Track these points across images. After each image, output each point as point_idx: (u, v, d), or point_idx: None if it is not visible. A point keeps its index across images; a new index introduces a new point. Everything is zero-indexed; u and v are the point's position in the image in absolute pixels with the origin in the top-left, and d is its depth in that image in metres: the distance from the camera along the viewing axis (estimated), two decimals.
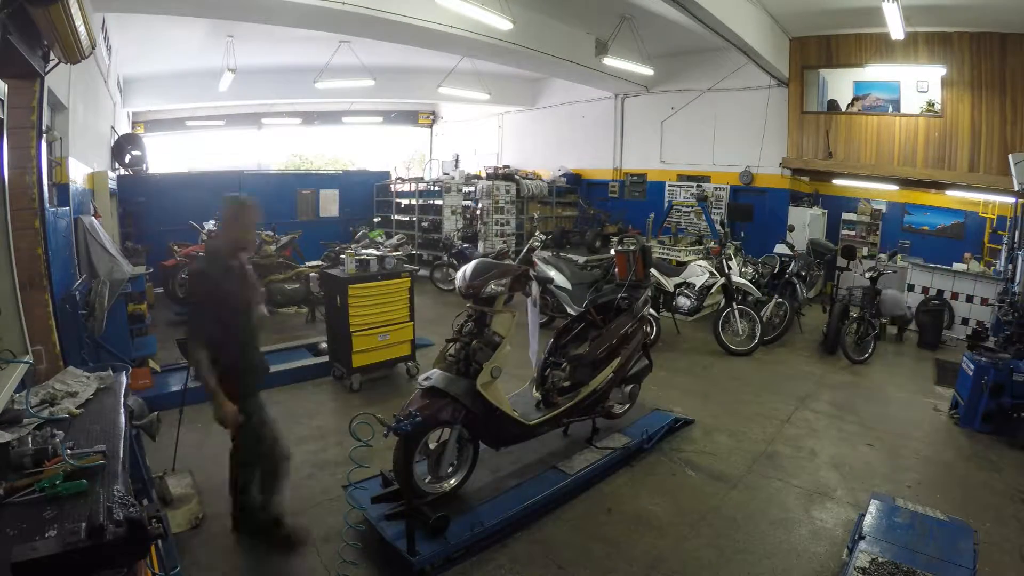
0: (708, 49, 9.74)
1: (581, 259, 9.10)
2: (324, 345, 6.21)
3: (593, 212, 12.43)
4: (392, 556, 3.00)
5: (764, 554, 3.25)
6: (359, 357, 5.46)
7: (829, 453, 4.54)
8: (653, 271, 6.44)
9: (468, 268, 3.64)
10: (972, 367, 5.01)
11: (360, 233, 10.53)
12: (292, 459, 4.13)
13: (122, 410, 2.55)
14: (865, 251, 9.63)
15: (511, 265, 3.70)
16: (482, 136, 15.52)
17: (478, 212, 11.68)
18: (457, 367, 3.43)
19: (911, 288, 8.35)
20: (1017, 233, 7.13)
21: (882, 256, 9.40)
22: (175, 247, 8.30)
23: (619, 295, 4.70)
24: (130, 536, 1.56)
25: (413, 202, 12.29)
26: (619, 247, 5.34)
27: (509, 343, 3.50)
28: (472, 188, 11.95)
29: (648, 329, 4.70)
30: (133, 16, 7.33)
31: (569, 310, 6.95)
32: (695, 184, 11.29)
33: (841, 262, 7.65)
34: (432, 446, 3.41)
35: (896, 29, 6.96)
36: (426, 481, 3.38)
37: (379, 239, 10.14)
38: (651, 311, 6.67)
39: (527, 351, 4.10)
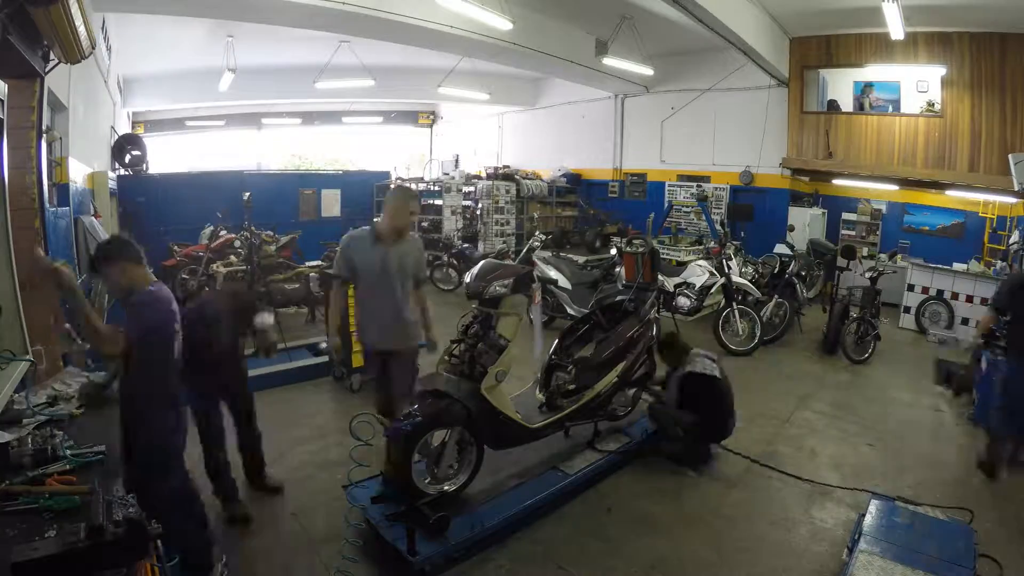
0: (708, 49, 9.74)
1: (581, 259, 9.10)
2: (324, 345, 6.21)
3: (593, 212, 12.44)
4: (392, 556, 3.00)
5: (764, 554, 3.24)
6: (359, 357, 5.45)
7: (829, 453, 4.54)
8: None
9: (475, 269, 3.66)
10: (986, 363, 4.99)
11: None
12: (292, 459, 4.16)
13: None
14: (865, 251, 9.62)
15: (515, 266, 3.70)
16: (482, 136, 15.52)
17: (478, 212, 11.68)
18: (461, 369, 3.42)
19: (911, 288, 8.35)
20: None
21: (882, 256, 9.40)
22: (175, 247, 8.30)
23: (627, 297, 4.69)
24: (130, 536, 1.56)
25: None
26: (627, 248, 5.33)
27: (515, 346, 3.49)
28: (472, 188, 11.95)
29: (653, 333, 4.68)
30: (133, 16, 7.33)
31: (569, 310, 6.95)
32: (695, 184, 11.29)
33: (841, 262, 7.64)
34: (433, 446, 3.40)
35: (896, 29, 6.96)
36: (426, 482, 3.37)
37: None
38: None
39: (527, 349, 4.10)
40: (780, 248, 8.86)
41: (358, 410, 3.13)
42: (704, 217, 9.95)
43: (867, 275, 7.18)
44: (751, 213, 10.64)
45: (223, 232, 8.35)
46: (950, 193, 8.89)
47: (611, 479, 4.00)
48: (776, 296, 7.48)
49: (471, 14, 6.52)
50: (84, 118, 5.94)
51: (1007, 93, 7.73)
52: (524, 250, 9.34)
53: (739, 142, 10.63)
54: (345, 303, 3.91)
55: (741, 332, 6.90)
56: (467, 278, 3.66)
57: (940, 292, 8.07)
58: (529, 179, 12.83)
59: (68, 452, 2.07)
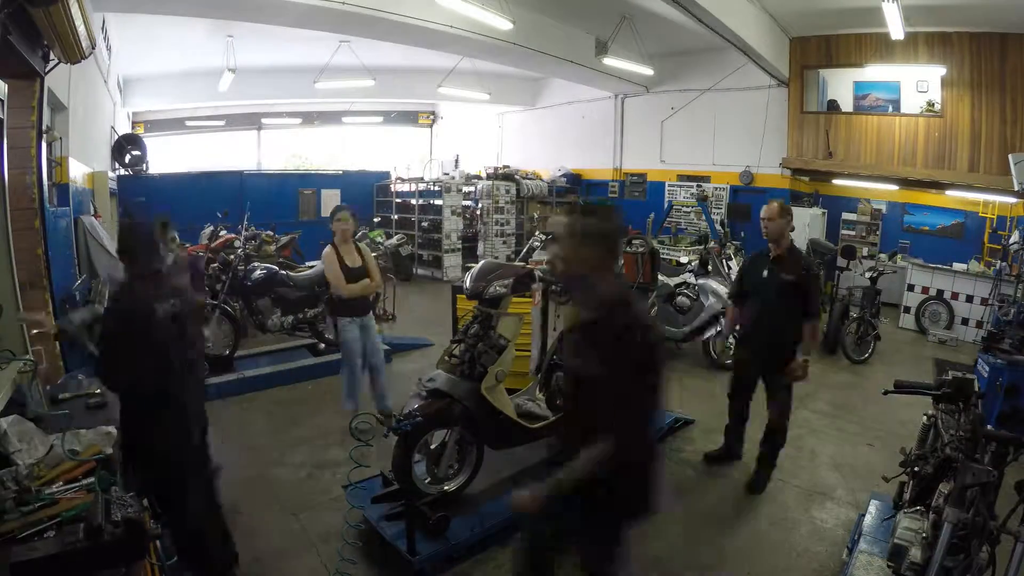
0: (708, 49, 9.73)
1: None
2: (324, 345, 6.23)
3: None
4: (392, 556, 3.00)
5: (764, 554, 3.24)
6: None
7: (829, 453, 4.54)
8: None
9: (474, 269, 3.66)
10: (987, 369, 4.97)
11: (360, 233, 10.51)
12: (292, 459, 4.16)
13: None
14: (865, 251, 9.63)
15: (515, 265, 3.70)
16: (482, 136, 15.51)
17: (478, 212, 11.68)
18: (461, 369, 3.42)
19: (911, 288, 8.35)
20: None
21: (882, 256, 9.40)
22: None
23: None
24: (128, 536, 1.55)
25: (413, 202, 12.28)
26: (627, 248, 5.30)
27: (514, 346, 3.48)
28: (472, 188, 11.95)
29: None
30: (133, 16, 7.33)
31: None
32: (695, 184, 11.29)
33: (841, 262, 7.64)
34: (433, 446, 3.41)
35: (896, 29, 6.96)
36: (426, 482, 3.37)
37: (379, 239, 10.14)
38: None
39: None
40: None
41: (358, 410, 3.13)
42: (704, 217, 9.95)
43: (867, 275, 7.18)
44: (751, 213, 10.64)
45: (223, 232, 8.34)
46: (950, 193, 8.89)
47: None
48: None
49: (471, 14, 6.51)
50: (84, 118, 5.94)
51: (1007, 93, 7.73)
52: (524, 250, 9.34)
53: (739, 142, 10.63)
54: None
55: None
56: (466, 278, 3.66)
57: (940, 292, 8.07)
58: (529, 179, 12.83)
59: (68, 453, 2.06)
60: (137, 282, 2.39)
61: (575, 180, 13.37)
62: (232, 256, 6.11)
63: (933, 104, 8.57)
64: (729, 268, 7.03)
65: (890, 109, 9.22)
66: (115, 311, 2.39)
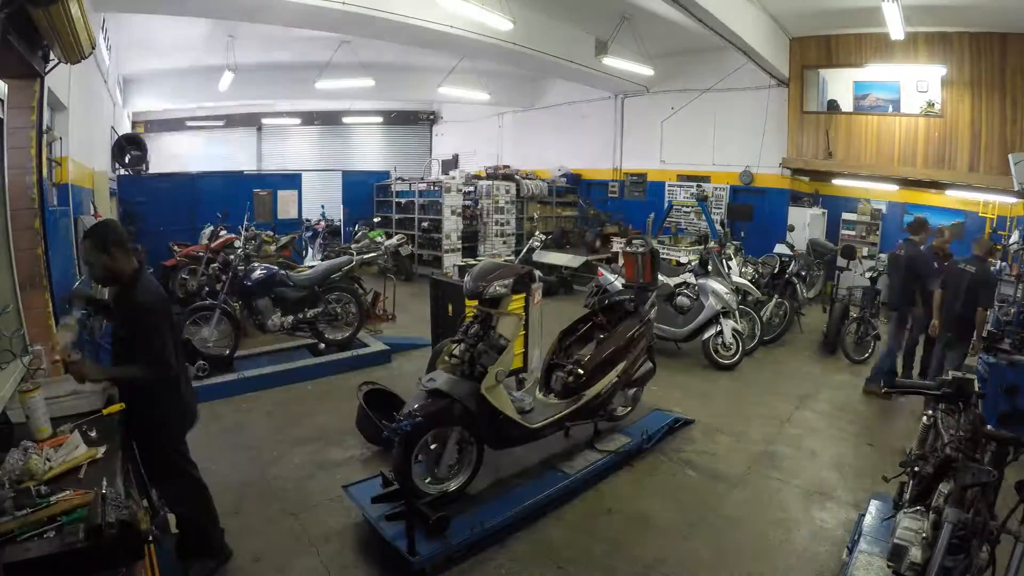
0: (708, 49, 9.73)
1: (580, 259, 9.07)
2: (324, 345, 6.24)
3: (593, 212, 12.43)
4: (392, 556, 3.00)
5: (764, 554, 3.24)
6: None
7: (829, 453, 4.54)
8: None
9: (474, 269, 3.66)
10: (987, 369, 4.97)
11: (360, 233, 10.53)
12: (292, 459, 4.16)
13: None
14: (865, 251, 9.62)
15: (515, 265, 3.70)
16: (482, 136, 15.52)
17: (478, 212, 11.68)
18: (461, 368, 3.42)
19: None
20: None
21: (882, 256, 9.39)
22: (175, 247, 8.29)
23: (627, 297, 4.68)
24: (123, 538, 1.55)
25: (413, 202, 12.28)
26: (628, 248, 5.29)
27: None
28: (472, 188, 11.95)
29: (653, 333, 4.64)
30: (133, 16, 7.34)
31: None
32: (695, 184, 11.29)
33: (841, 262, 7.63)
34: (433, 446, 3.41)
35: (896, 29, 6.96)
36: (426, 482, 3.37)
37: (379, 239, 10.14)
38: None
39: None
40: (780, 248, 8.85)
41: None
42: (704, 217, 9.95)
43: (867, 275, 7.18)
44: (751, 213, 10.64)
45: (223, 232, 8.34)
46: (950, 193, 8.88)
47: (611, 479, 4.00)
48: (776, 296, 7.47)
49: (471, 14, 6.52)
50: (84, 118, 5.94)
51: (1007, 93, 7.72)
52: (524, 250, 9.34)
53: (739, 142, 10.63)
54: None
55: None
56: (466, 278, 3.67)
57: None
58: (529, 179, 12.83)
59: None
60: (142, 272, 2.64)
61: (575, 180, 13.39)
62: (232, 256, 6.11)
63: (933, 104, 8.56)
64: (729, 268, 7.01)
65: (890, 109, 9.22)
66: (157, 303, 2.61)
